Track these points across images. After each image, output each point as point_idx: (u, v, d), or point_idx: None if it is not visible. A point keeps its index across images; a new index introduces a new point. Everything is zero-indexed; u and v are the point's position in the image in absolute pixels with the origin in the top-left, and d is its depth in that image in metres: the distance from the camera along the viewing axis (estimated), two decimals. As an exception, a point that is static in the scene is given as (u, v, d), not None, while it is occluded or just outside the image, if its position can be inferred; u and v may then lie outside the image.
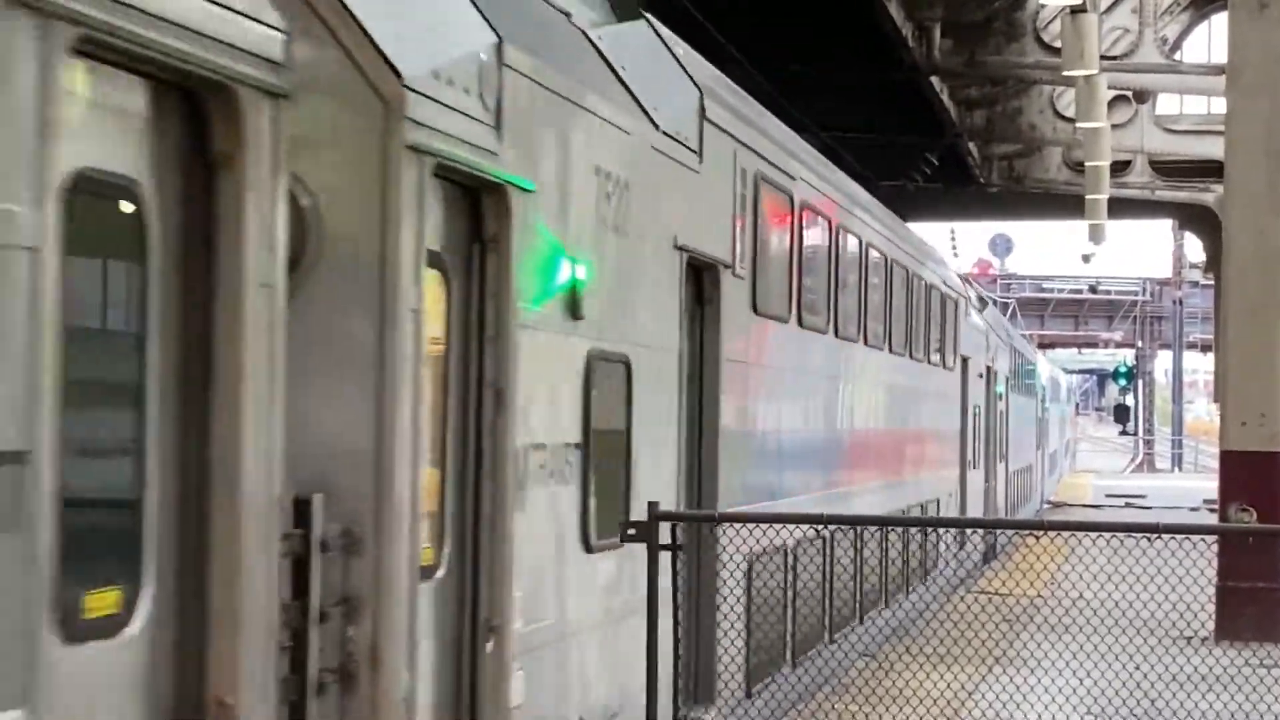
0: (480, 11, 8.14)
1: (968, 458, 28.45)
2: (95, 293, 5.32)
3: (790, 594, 14.70)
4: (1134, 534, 11.05)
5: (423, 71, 7.23)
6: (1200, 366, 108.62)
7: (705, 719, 11.99)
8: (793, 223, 15.10)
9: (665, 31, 12.25)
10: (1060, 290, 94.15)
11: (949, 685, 13.46)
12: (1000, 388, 34.64)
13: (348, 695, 6.89)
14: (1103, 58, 30.12)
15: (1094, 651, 12.69)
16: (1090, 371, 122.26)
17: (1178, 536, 11.02)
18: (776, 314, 14.38)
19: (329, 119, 6.86)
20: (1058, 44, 30.79)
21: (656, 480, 10.91)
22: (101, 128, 5.35)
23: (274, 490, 6.05)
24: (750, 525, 11.75)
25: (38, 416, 4.81)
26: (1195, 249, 68.84)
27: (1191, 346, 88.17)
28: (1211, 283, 53.97)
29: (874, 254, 19.25)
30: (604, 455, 9.81)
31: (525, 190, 8.30)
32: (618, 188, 10.03)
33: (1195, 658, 12.61)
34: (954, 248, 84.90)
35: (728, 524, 11.75)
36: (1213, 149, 33.51)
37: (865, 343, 18.73)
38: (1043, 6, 31.30)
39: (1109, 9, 34.65)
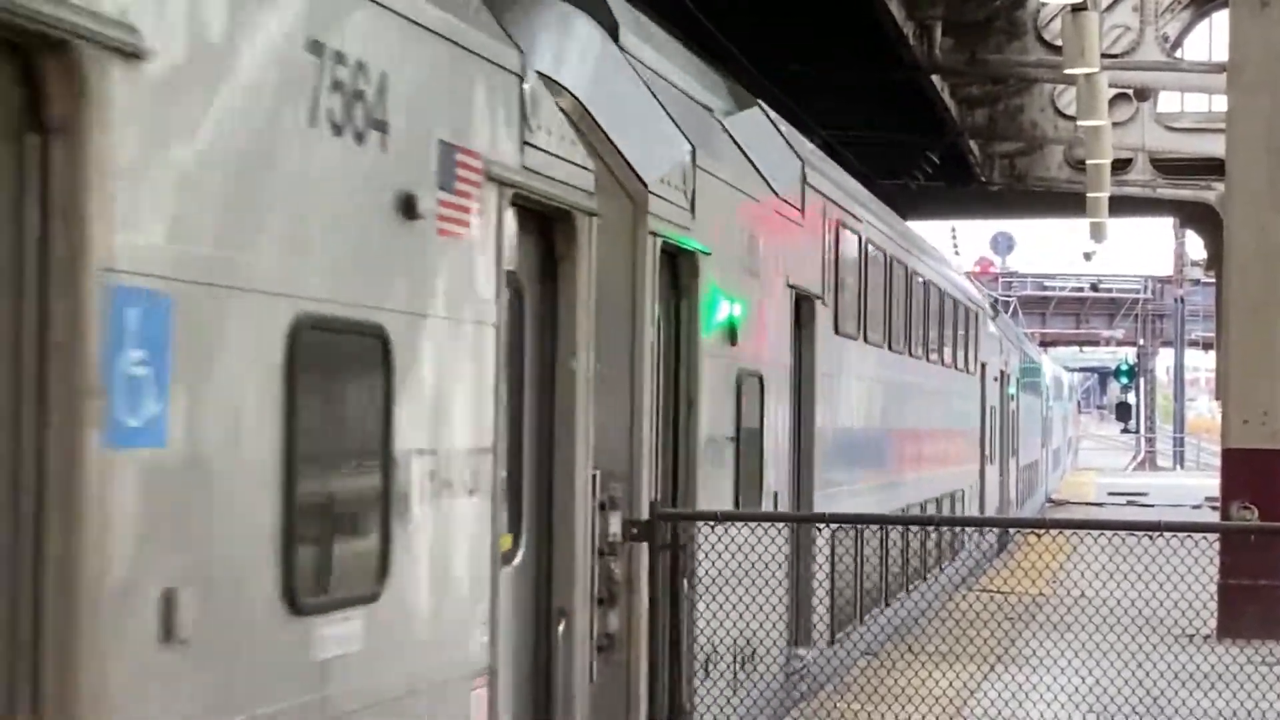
0: (679, 127, 11.33)
1: (986, 453, 31.68)
2: (507, 349, 8.43)
3: (859, 564, 17.92)
4: (1136, 532, 11.26)
5: (655, 178, 10.41)
6: (1202, 364, 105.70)
7: (804, 654, 15.19)
8: (860, 257, 18.32)
9: (772, 114, 15.49)
10: (1062, 288, 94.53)
11: (951, 684, 13.58)
12: (1012, 389, 37.67)
13: (611, 611, 10.10)
14: (1104, 56, 30.10)
15: (1096, 649, 12.59)
16: (1092, 369, 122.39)
17: (1180, 534, 11.08)
18: (850, 333, 17.60)
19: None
20: (1059, 42, 30.76)
21: (777, 469, 14.10)
22: (508, 242, 8.51)
23: (588, 472, 9.25)
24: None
25: (496, 424, 7.98)
26: (1196, 247, 67.35)
27: (1193, 344, 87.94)
28: (1213, 280, 53.32)
29: (917, 278, 22.47)
30: (746, 448, 13.01)
31: (705, 254, 11.49)
32: (754, 243, 13.25)
33: (1197, 656, 12.45)
34: (955, 246, 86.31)
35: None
36: (1214, 147, 33.27)
37: (910, 354, 21.96)
38: (1044, 5, 31.05)
39: (1110, 7, 34.71)
